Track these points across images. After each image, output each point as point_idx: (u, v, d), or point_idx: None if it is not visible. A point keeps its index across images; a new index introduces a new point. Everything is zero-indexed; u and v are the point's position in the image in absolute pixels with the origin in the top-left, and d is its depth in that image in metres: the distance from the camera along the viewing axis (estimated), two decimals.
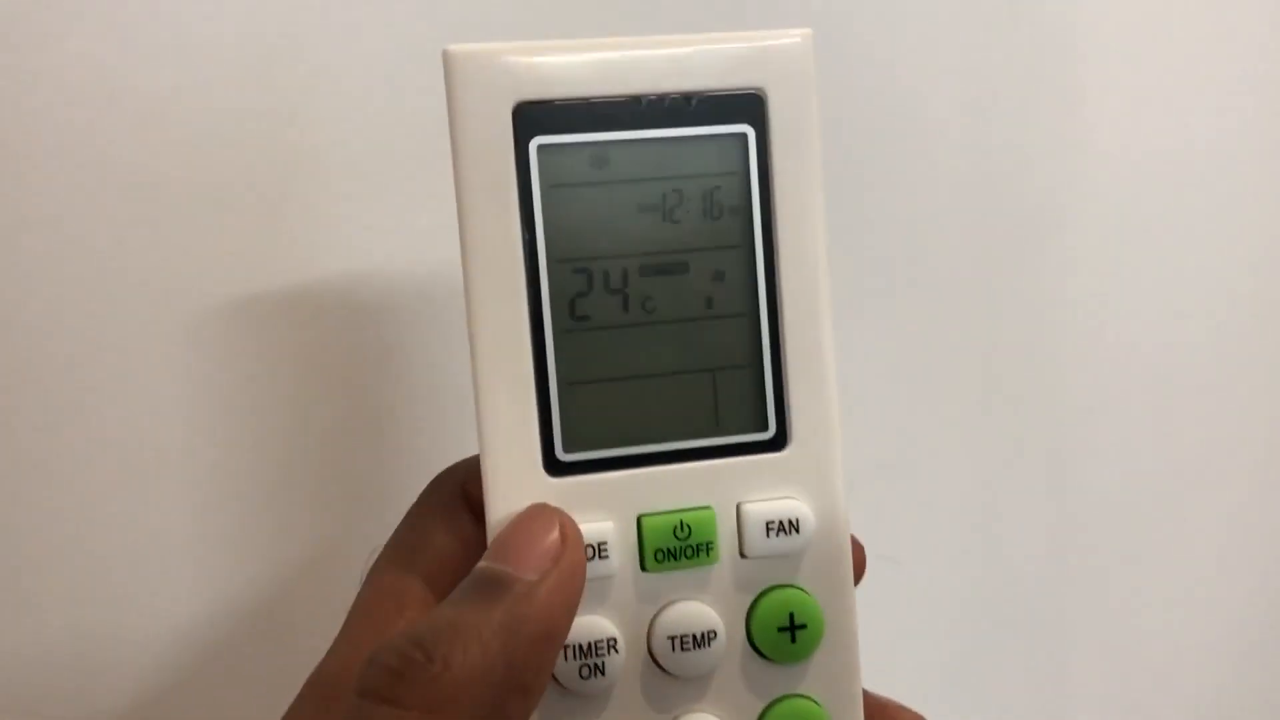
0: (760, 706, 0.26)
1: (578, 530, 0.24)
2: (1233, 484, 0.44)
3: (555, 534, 0.23)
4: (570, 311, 0.25)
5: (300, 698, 0.25)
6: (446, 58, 0.24)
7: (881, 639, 0.41)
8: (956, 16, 0.39)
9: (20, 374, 0.32)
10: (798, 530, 0.25)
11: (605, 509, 0.25)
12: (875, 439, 0.40)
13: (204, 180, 0.32)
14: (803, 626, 0.26)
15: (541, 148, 0.24)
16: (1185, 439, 0.43)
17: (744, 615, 0.26)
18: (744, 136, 0.25)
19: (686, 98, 0.25)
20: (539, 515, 0.24)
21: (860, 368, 0.39)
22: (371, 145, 0.33)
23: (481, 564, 0.23)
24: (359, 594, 0.26)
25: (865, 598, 0.40)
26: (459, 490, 0.27)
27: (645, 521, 0.25)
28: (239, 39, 0.32)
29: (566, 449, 0.25)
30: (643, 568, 0.25)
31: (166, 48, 0.32)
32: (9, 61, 0.31)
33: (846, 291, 0.39)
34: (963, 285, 0.40)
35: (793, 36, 0.25)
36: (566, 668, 0.24)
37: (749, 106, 0.25)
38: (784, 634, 0.25)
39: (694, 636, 0.25)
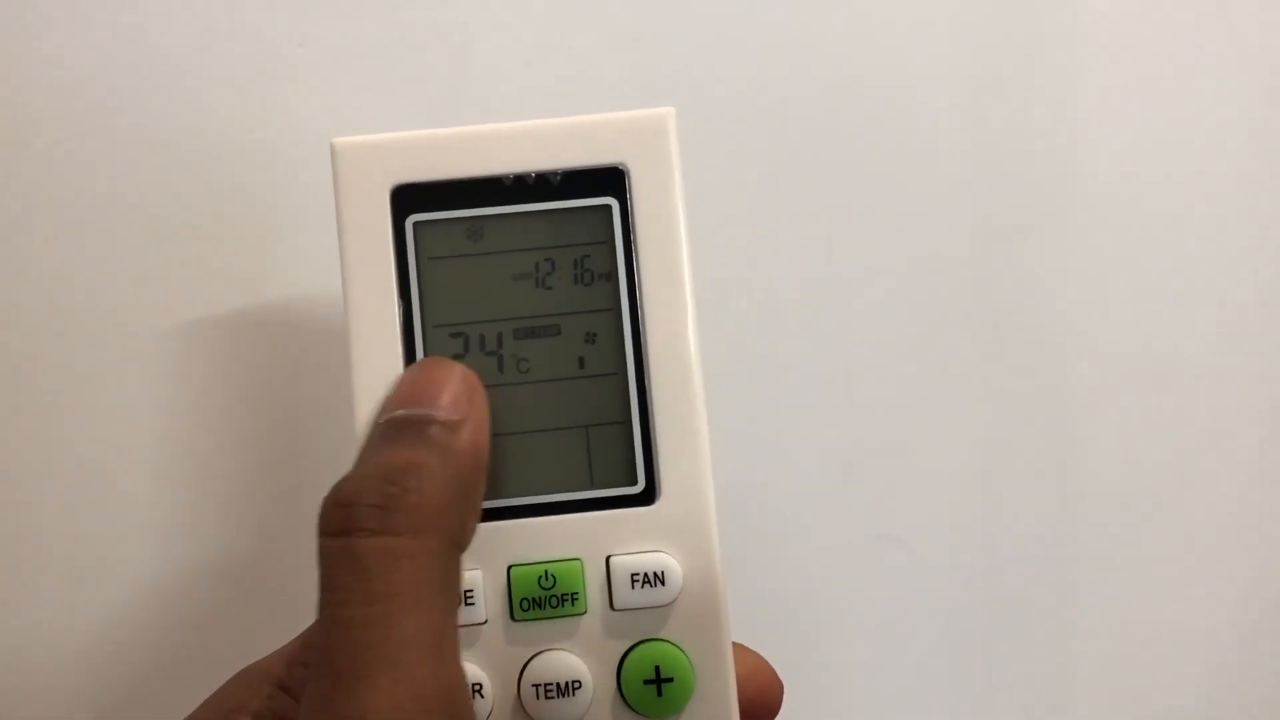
0: None
1: (475, 373, 0.25)
2: (1235, 467, 0.42)
3: (463, 378, 0.25)
4: None
5: None
6: (333, 149, 0.27)
7: (883, 620, 0.40)
8: (955, 3, 0.40)
9: None
10: (663, 583, 0.26)
11: (477, 558, 0.26)
12: (877, 422, 0.40)
13: (180, 207, 0.37)
14: (669, 680, 0.26)
15: (417, 224, 0.27)
16: (1187, 422, 0.41)
17: (615, 667, 0.26)
18: (609, 208, 0.27)
19: (553, 174, 0.27)
20: (439, 365, 0.25)
21: (862, 351, 0.40)
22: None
23: (396, 412, 0.24)
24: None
25: (867, 579, 0.39)
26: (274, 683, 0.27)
27: (514, 571, 0.26)
28: (216, 84, 0.37)
29: None
30: (512, 617, 0.26)
31: (142, 80, 0.37)
32: None
33: (848, 276, 0.39)
34: (964, 268, 0.40)
35: (654, 113, 0.27)
36: None
37: (612, 180, 0.27)
38: (650, 687, 0.26)
39: (558, 685, 0.26)
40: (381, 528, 0.22)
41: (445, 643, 0.22)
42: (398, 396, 0.25)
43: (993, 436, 0.40)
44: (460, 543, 0.24)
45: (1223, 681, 0.42)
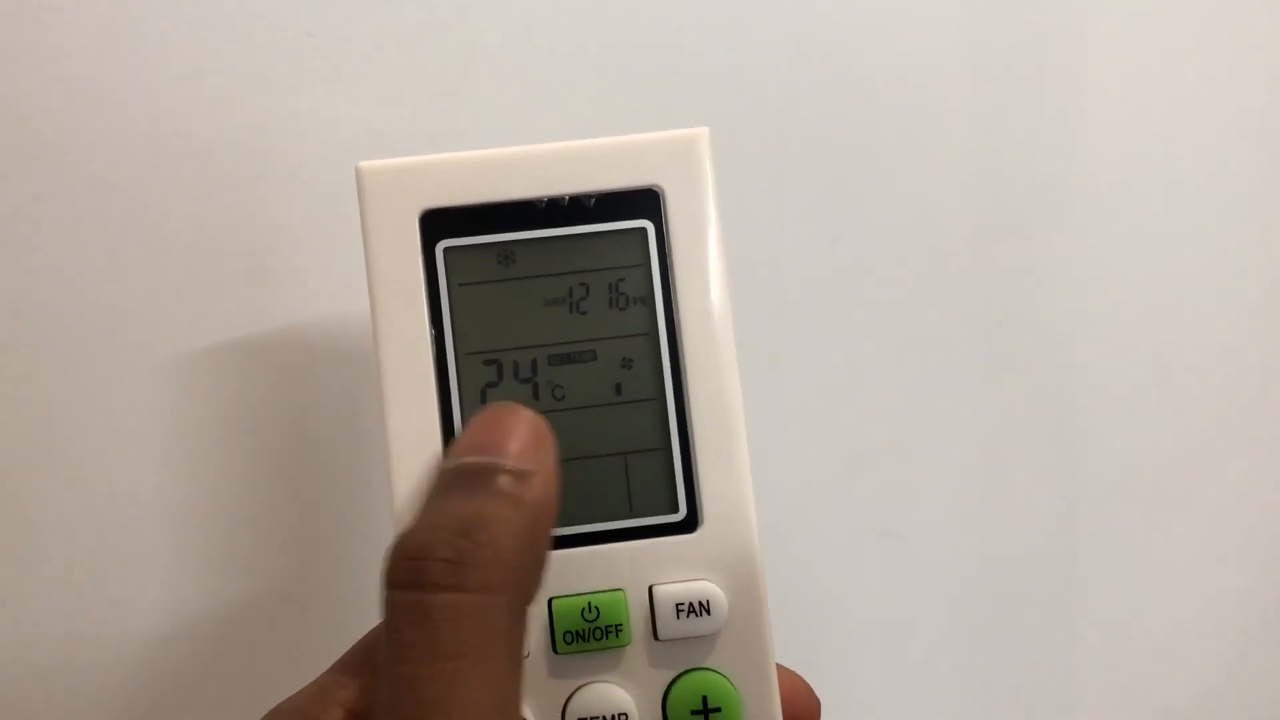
0: None
1: (545, 421, 0.24)
2: (1237, 465, 0.42)
3: (535, 427, 0.24)
4: (482, 400, 0.26)
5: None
6: (358, 173, 0.26)
7: (888, 615, 0.40)
8: (962, 4, 0.40)
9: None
10: (709, 612, 0.26)
11: None
12: (882, 417, 0.40)
13: (186, 223, 0.36)
14: (717, 710, 0.25)
15: (448, 250, 0.26)
16: (1189, 420, 0.42)
17: (660, 698, 0.26)
18: (644, 230, 0.27)
19: (586, 197, 0.27)
20: (515, 413, 0.24)
21: (867, 346, 0.40)
22: (341, 204, 0.36)
23: (468, 459, 0.24)
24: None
25: (872, 574, 0.40)
26: None
27: (556, 604, 0.26)
28: (228, 100, 0.36)
29: None
30: (555, 650, 0.26)
31: (165, 97, 0.35)
32: None
33: (852, 271, 0.39)
34: (969, 266, 0.40)
35: (688, 134, 0.27)
36: None
37: (647, 202, 0.27)
38: (697, 717, 0.25)
39: (604, 719, 0.25)
40: (453, 583, 0.22)
41: (509, 704, 0.21)
42: (466, 442, 0.24)
43: (997, 433, 0.41)
44: (528, 598, 0.23)
45: (1225, 680, 0.42)
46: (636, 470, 0.26)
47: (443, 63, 0.37)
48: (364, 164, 0.26)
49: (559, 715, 0.25)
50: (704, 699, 0.25)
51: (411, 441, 0.26)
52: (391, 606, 0.22)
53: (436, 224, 0.26)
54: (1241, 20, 0.41)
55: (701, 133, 0.27)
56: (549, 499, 0.24)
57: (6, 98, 0.35)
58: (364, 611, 0.31)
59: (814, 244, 0.39)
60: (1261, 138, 0.42)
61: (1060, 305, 0.41)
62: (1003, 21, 0.40)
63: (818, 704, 0.28)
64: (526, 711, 0.25)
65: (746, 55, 0.39)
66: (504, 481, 0.23)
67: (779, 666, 0.27)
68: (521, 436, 0.24)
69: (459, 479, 0.24)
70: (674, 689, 0.26)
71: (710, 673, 0.26)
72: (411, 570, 0.22)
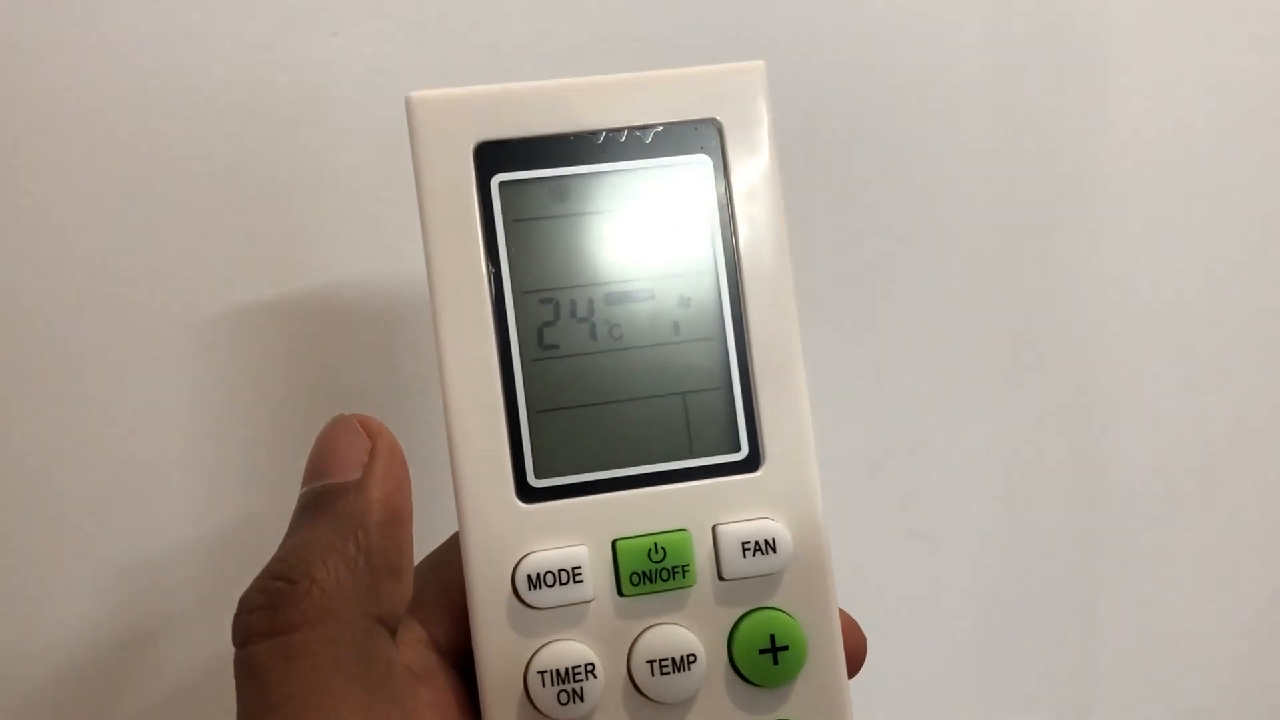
0: None
1: (376, 419, 0.24)
2: (1261, 466, 0.43)
3: (358, 432, 0.24)
4: (539, 340, 0.26)
5: None
6: (409, 104, 0.25)
7: (913, 616, 0.40)
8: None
9: (19, 377, 0.33)
10: (774, 550, 0.25)
11: (579, 534, 0.25)
12: (907, 417, 0.39)
13: (206, 191, 0.34)
14: (785, 648, 0.25)
15: (503, 184, 0.25)
16: (1215, 416, 0.42)
17: (725, 638, 0.26)
18: (703, 165, 0.26)
19: (644, 130, 0.26)
20: (335, 426, 0.24)
21: (891, 347, 0.39)
22: (365, 160, 0.35)
23: (303, 490, 0.24)
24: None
25: (896, 575, 0.40)
26: None
27: (620, 545, 0.25)
28: (241, 54, 0.34)
29: (539, 475, 0.25)
30: (620, 592, 0.25)
31: (170, 62, 0.34)
32: (10, 68, 0.33)
33: (878, 271, 0.39)
34: (991, 263, 0.40)
35: (746, 67, 0.26)
36: (544, 693, 0.24)
37: (706, 136, 0.26)
38: (765, 656, 0.25)
39: (673, 660, 0.25)
40: (268, 629, 0.21)
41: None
42: (307, 468, 0.24)
43: (1020, 435, 0.40)
44: (375, 610, 0.23)
45: (1248, 682, 0.42)
46: (696, 410, 0.26)
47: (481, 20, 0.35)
48: (415, 94, 0.25)
49: (626, 657, 0.25)
50: (771, 637, 0.25)
51: (469, 385, 0.25)
52: (234, 667, 0.22)
53: (491, 157, 0.25)
54: (1268, 16, 0.41)
55: (758, 65, 0.26)
56: (384, 500, 0.23)
57: (34, 49, 0.32)
58: None
59: (837, 241, 0.39)
60: None
61: (1085, 306, 0.40)
62: (1028, 19, 0.40)
63: (864, 640, 0.28)
64: (593, 656, 0.25)
65: (768, 51, 0.38)
66: (329, 501, 0.23)
67: None
68: (343, 448, 0.23)
69: (296, 513, 0.24)
70: (740, 628, 0.25)
71: (776, 611, 0.26)
72: (238, 627, 0.22)
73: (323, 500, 0.23)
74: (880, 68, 0.39)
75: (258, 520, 0.35)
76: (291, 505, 0.35)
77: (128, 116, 0.33)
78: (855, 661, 0.28)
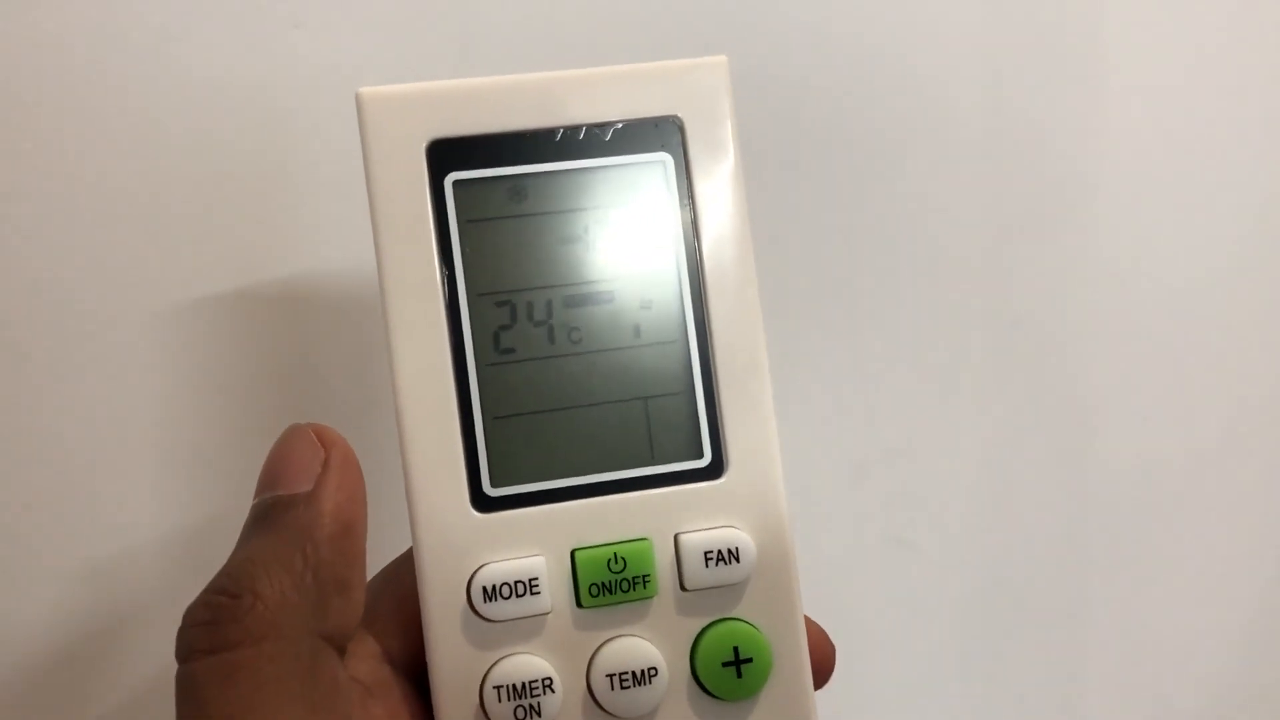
0: None
1: (332, 430, 0.24)
2: (1248, 469, 0.42)
3: (312, 442, 0.23)
4: (494, 344, 0.25)
5: None
6: (359, 100, 0.24)
7: (896, 622, 0.39)
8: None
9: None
10: (738, 559, 0.25)
11: (537, 544, 0.24)
12: (891, 420, 0.39)
13: (169, 182, 0.33)
14: (748, 660, 0.25)
15: (457, 184, 0.25)
16: (1204, 420, 0.41)
17: (688, 650, 0.25)
18: (663, 164, 0.25)
19: (603, 128, 0.25)
20: (290, 435, 0.24)
21: (876, 348, 0.39)
22: (331, 151, 0.34)
23: (254, 501, 0.23)
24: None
25: (877, 581, 0.39)
26: None
27: (579, 555, 0.24)
28: (206, 46, 0.33)
29: (495, 483, 0.24)
30: (579, 604, 0.24)
31: (131, 54, 0.33)
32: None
33: (862, 273, 0.38)
34: (979, 264, 0.39)
35: (708, 62, 0.25)
36: (501, 709, 0.24)
37: (667, 134, 0.25)
38: (729, 669, 0.25)
39: (634, 674, 0.24)
40: (209, 645, 0.21)
41: None
42: (260, 478, 0.23)
43: (1006, 438, 0.40)
44: (324, 629, 0.22)
45: (1234, 686, 0.42)
46: (658, 415, 0.25)
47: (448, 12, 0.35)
48: (365, 90, 0.24)
49: (585, 671, 0.24)
50: (735, 650, 0.25)
51: (422, 390, 0.24)
52: (175, 683, 0.21)
53: (445, 155, 0.24)
54: (1261, 17, 0.41)
55: (720, 60, 0.26)
56: (330, 514, 0.23)
57: (6, 36, 0.31)
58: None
59: (821, 241, 0.38)
60: (1278, 141, 0.41)
61: (1072, 308, 0.40)
62: (1020, 17, 0.39)
63: (833, 650, 0.28)
64: (550, 670, 0.24)
65: (756, 47, 0.37)
66: (277, 515, 0.22)
67: None
68: (296, 459, 0.23)
69: (246, 526, 0.23)
70: (702, 640, 0.25)
71: (739, 623, 0.25)
72: (179, 641, 0.21)
73: (272, 512, 0.23)
74: (868, 64, 0.38)
75: (219, 517, 0.34)
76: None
77: (86, 107, 0.32)
78: (823, 672, 0.27)
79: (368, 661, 0.24)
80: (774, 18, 0.37)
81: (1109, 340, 0.40)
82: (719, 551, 0.25)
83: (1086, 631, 0.41)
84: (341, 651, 0.23)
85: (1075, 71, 0.40)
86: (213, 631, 0.21)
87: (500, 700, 0.24)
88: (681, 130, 0.25)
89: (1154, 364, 0.41)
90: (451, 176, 0.24)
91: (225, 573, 0.22)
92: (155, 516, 0.33)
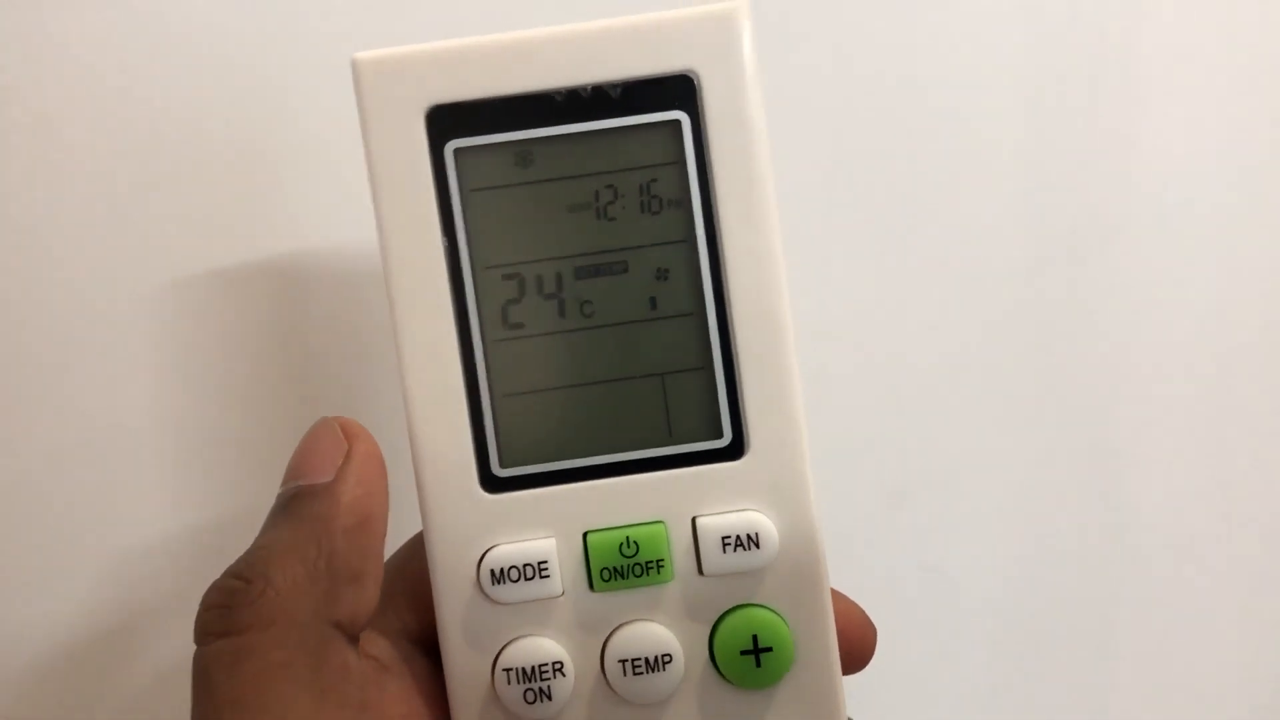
0: None
1: (358, 424, 0.24)
2: None
3: (337, 435, 0.23)
4: (503, 319, 0.24)
5: None
6: (354, 66, 0.23)
7: (926, 650, 0.38)
8: (1012, 19, 0.36)
9: None
10: (758, 545, 0.23)
11: (548, 526, 0.24)
12: (923, 448, 0.37)
13: (177, 155, 0.33)
14: (768, 649, 0.23)
15: (458, 151, 0.23)
16: (1237, 452, 0.39)
17: (706, 637, 0.24)
18: (677, 123, 0.23)
19: (611, 86, 0.23)
20: (318, 428, 0.24)
21: (913, 376, 0.37)
22: (330, 121, 0.33)
23: (279, 491, 0.23)
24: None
25: (911, 609, 0.38)
26: None
27: (591, 538, 0.24)
28: (201, 13, 0.33)
29: (504, 464, 0.24)
30: (591, 587, 0.24)
31: (124, 26, 0.33)
32: None
33: (900, 299, 0.37)
34: (1012, 294, 0.37)
35: (725, 8, 0.23)
36: (510, 691, 0.23)
37: (680, 90, 0.23)
38: (747, 657, 0.23)
39: (647, 660, 0.23)
40: (222, 629, 0.21)
41: None
42: (287, 470, 0.24)
43: (1040, 468, 0.38)
44: (334, 617, 0.22)
45: None
46: (675, 392, 0.24)
47: None
48: (360, 55, 0.23)
49: (598, 657, 0.24)
50: (754, 638, 0.23)
51: (428, 369, 0.23)
52: (191, 666, 0.21)
53: (445, 121, 0.23)
54: None
55: (739, 6, 0.23)
56: (347, 506, 0.23)
57: None
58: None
59: (858, 266, 0.36)
60: None
61: (1110, 336, 0.38)
62: (1058, 43, 0.36)
63: (874, 632, 0.26)
64: (562, 654, 0.23)
65: (793, 70, 0.35)
66: (297, 504, 0.22)
67: (834, 592, 0.25)
68: (320, 451, 0.23)
69: (270, 514, 0.23)
70: (721, 627, 0.24)
71: (760, 609, 0.24)
72: (196, 625, 0.22)
73: (293, 502, 0.23)
74: (907, 90, 0.36)
75: (229, 506, 0.34)
76: (261, 481, 0.35)
77: (80, 80, 0.32)
78: (861, 655, 0.26)
79: (387, 638, 0.24)
80: (810, 38, 0.35)
81: (1148, 375, 0.38)
82: (738, 536, 0.23)
83: (1118, 662, 0.39)
84: (355, 639, 0.23)
85: (1117, 96, 0.37)
86: (225, 615, 0.22)
87: (510, 683, 0.23)
88: (697, 86, 0.23)
89: (1188, 395, 0.38)
90: (452, 144, 0.23)
91: (243, 558, 0.23)
92: (161, 509, 0.34)
